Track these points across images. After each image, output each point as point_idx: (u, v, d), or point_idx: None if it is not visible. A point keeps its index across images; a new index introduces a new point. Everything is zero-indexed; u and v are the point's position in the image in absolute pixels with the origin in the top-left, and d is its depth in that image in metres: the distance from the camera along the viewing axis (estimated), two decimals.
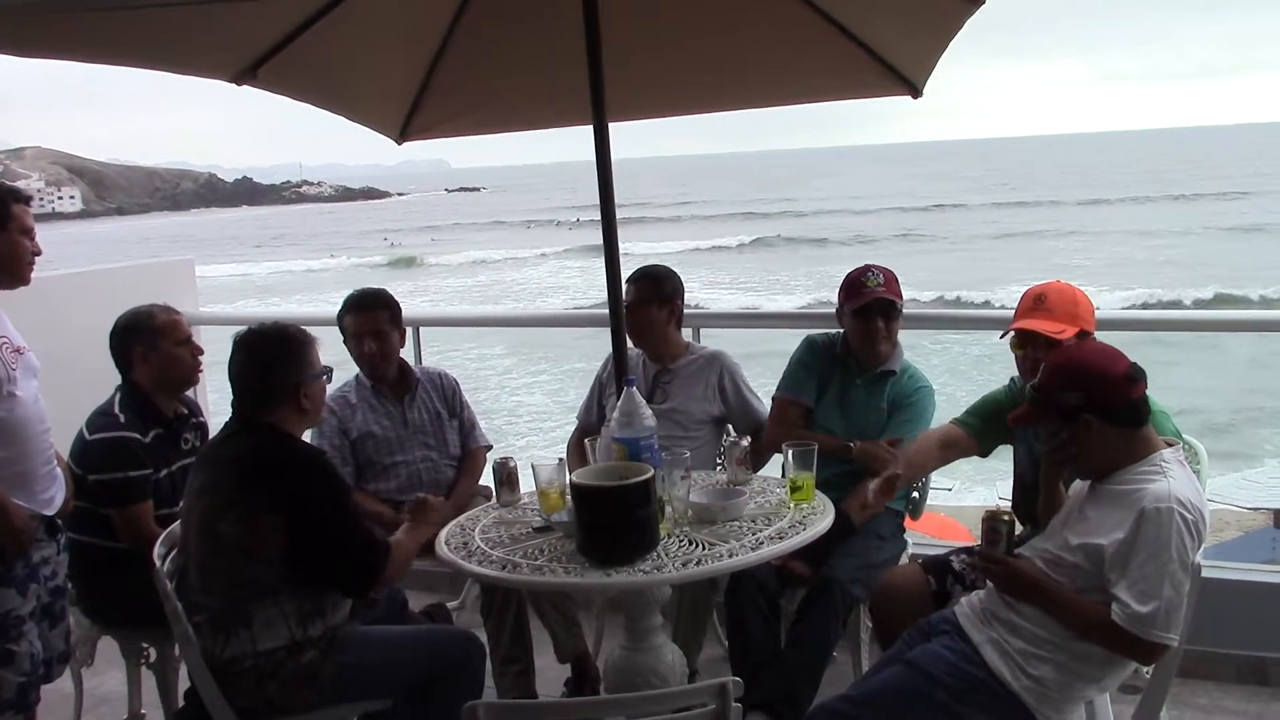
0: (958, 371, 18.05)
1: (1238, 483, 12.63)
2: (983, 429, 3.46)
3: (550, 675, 3.90)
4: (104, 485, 3.48)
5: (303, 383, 2.98)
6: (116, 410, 3.59)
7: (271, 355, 2.97)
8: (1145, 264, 34.53)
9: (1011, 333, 3.25)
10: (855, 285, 3.74)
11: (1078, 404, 2.58)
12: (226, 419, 3.03)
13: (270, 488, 2.82)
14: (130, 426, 3.54)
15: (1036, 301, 3.25)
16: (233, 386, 2.98)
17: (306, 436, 4.01)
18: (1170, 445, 2.66)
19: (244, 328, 3.07)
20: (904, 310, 3.80)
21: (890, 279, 3.74)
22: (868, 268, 3.77)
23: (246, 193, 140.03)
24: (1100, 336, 3.27)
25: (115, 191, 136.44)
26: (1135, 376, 2.60)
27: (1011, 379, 3.47)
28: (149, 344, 3.63)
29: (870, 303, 3.70)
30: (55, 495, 3.24)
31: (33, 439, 3.14)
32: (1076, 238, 42.32)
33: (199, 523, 2.87)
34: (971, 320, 6.77)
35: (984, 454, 3.52)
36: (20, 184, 3.42)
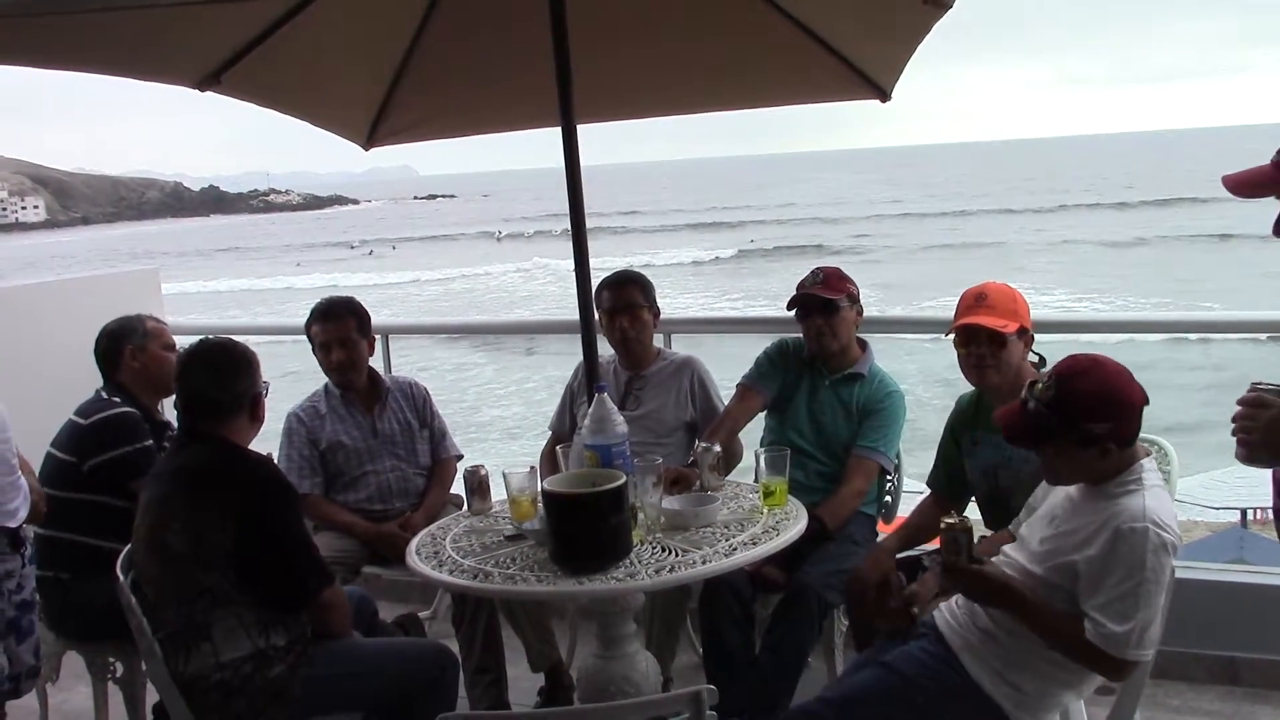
0: (932, 373, 18.11)
1: (1205, 483, 12.71)
2: (947, 477, 3.51)
3: (524, 685, 3.88)
4: (117, 461, 3.49)
5: (260, 393, 3.01)
6: (108, 397, 3.62)
7: (233, 366, 2.97)
8: (1107, 276, 34.19)
9: (954, 331, 3.29)
10: (797, 288, 3.81)
11: (1103, 434, 2.50)
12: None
13: (219, 495, 2.79)
14: (127, 407, 3.58)
15: (977, 300, 3.30)
16: (186, 400, 2.95)
17: (276, 448, 4.00)
18: (1147, 454, 2.63)
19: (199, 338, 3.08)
20: (863, 311, 3.85)
21: (832, 277, 3.78)
22: (814, 269, 3.85)
23: (213, 201, 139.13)
24: (1043, 338, 3.36)
25: (80, 201, 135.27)
26: (1146, 400, 2.56)
27: (950, 427, 3.51)
28: (139, 344, 3.71)
29: (800, 299, 3.76)
30: (18, 507, 3.18)
31: None
32: (1041, 247, 42.02)
33: (147, 537, 2.85)
34: (926, 323, 6.76)
35: (968, 492, 3.51)
36: None
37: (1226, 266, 33.63)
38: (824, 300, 3.72)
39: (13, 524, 3.16)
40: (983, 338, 3.22)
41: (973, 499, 3.50)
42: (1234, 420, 2.22)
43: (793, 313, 3.81)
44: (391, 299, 36.68)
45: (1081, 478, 2.61)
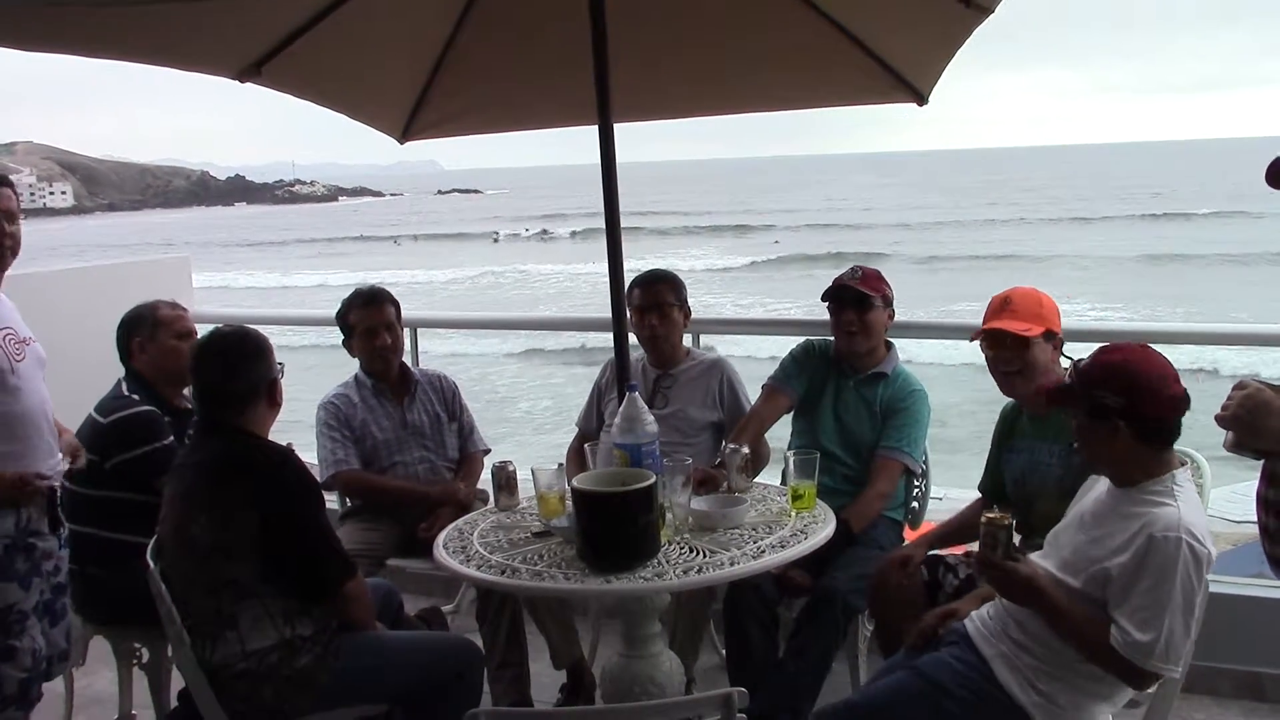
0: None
1: (1228, 496, 12.53)
2: (992, 483, 3.50)
3: (545, 681, 3.88)
4: (138, 460, 3.49)
5: (276, 378, 3.02)
6: (127, 392, 3.62)
7: (246, 355, 2.97)
8: (1132, 289, 32.77)
9: (979, 336, 3.34)
10: (836, 279, 3.82)
11: (1114, 407, 2.52)
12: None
13: (242, 486, 2.81)
14: (146, 404, 3.59)
15: (1003, 305, 3.34)
16: (202, 392, 2.97)
17: (295, 436, 4.02)
18: (1182, 464, 2.62)
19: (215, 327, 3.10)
20: (894, 315, 3.85)
21: (871, 276, 3.79)
22: (853, 266, 3.88)
23: (239, 191, 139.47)
24: (1069, 347, 3.32)
25: (107, 188, 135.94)
26: (1180, 403, 2.55)
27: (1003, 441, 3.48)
28: (148, 335, 3.69)
29: (837, 289, 3.76)
30: (60, 472, 3.20)
31: (37, 432, 3.08)
32: (1068, 257, 40.37)
33: (174, 529, 2.86)
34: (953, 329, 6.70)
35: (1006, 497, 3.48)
36: (11, 179, 3.40)
37: (1255, 285, 32.58)
38: (859, 294, 3.72)
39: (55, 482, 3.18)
40: (1007, 343, 3.25)
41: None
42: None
43: (825, 304, 3.81)
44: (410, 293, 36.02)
45: (1102, 461, 2.64)
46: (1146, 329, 5.15)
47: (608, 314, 3.76)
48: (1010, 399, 3.45)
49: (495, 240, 61.35)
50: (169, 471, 3.23)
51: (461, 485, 4.09)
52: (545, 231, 61.25)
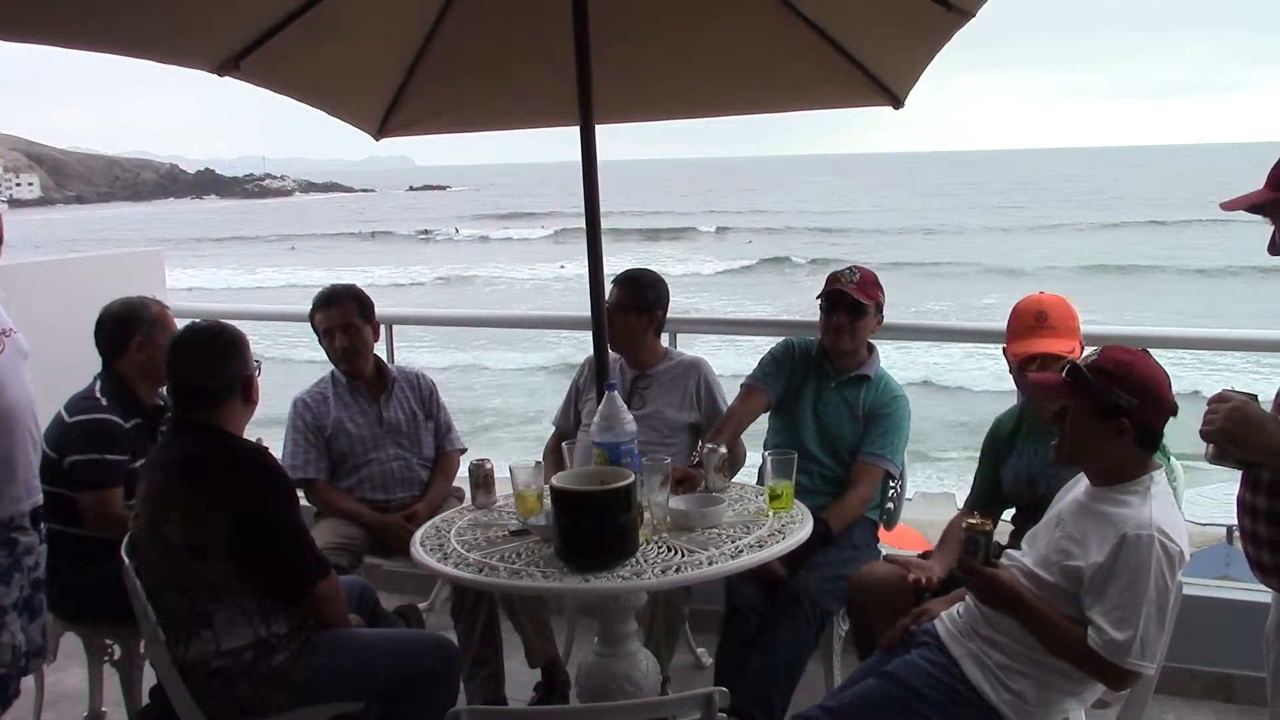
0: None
1: (1192, 499, 12.64)
2: (983, 500, 3.45)
3: (519, 679, 3.87)
4: (80, 465, 3.46)
5: (252, 374, 2.99)
6: (98, 394, 3.59)
7: (221, 351, 2.94)
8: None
9: (1022, 359, 3.17)
10: (831, 278, 3.80)
11: (1126, 407, 2.51)
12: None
13: (213, 488, 2.78)
14: (112, 411, 3.55)
15: (1038, 319, 3.20)
16: (177, 387, 2.94)
17: (278, 435, 3.99)
18: (1158, 467, 2.64)
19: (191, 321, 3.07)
20: (883, 319, 3.85)
21: (868, 281, 3.77)
22: (851, 266, 3.84)
23: (209, 184, 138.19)
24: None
25: (74, 180, 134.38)
26: (1173, 411, 2.57)
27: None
28: (146, 334, 3.65)
29: (833, 294, 3.75)
30: (37, 485, 3.16)
31: (19, 430, 3.03)
32: (1033, 266, 39.54)
33: (147, 528, 2.84)
34: (944, 332, 6.78)
35: (1001, 508, 3.45)
36: None
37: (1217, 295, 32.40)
38: (854, 300, 3.72)
39: (39, 499, 3.14)
40: (1047, 361, 3.10)
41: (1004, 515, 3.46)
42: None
43: (818, 300, 3.81)
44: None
45: (1088, 460, 2.63)
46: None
47: (585, 313, 3.76)
48: (1010, 408, 3.45)
49: (423, 237, 59.04)
50: (100, 488, 3.34)
51: (410, 519, 3.93)
52: (484, 236, 59.59)
